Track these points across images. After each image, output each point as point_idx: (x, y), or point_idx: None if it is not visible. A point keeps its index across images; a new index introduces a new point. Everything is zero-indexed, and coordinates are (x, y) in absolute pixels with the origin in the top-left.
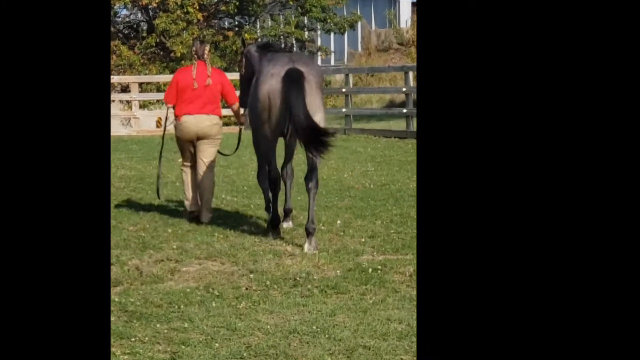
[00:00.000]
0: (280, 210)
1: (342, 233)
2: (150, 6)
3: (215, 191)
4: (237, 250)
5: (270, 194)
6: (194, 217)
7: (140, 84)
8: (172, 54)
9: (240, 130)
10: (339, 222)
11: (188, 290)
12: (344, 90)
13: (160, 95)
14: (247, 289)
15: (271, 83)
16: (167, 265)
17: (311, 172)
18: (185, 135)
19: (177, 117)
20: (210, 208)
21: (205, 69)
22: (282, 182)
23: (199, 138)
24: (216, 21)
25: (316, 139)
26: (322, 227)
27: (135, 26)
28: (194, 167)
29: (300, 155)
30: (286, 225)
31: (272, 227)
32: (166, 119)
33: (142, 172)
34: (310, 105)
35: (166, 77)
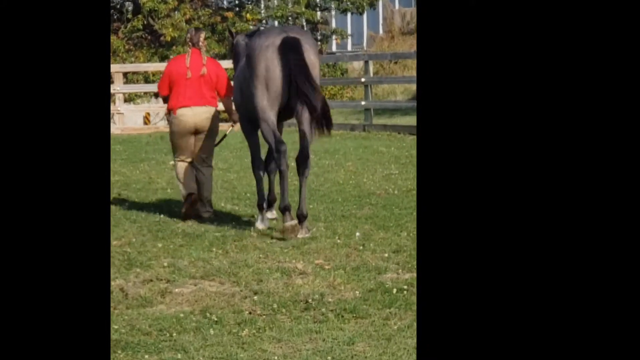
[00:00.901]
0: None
1: (361, 247)
2: None
3: (213, 199)
4: (238, 268)
5: (271, 176)
6: (192, 206)
7: (125, 74)
8: (161, 38)
9: (232, 127)
10: (357, 234)
11: (181, 315)
12: (363, 80)
13: (148, 87)
14: (250, 313)
15: (267, 54)
16: (157, 286)
17: (304, 153)
18: (182, 130)
19: (171, 110)
20: (210, 203)
21: (200, 58)
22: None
23: (196, 132)
24: (213, 0)
25: (325, 113)
26: (338, 241)
27: (118, 6)
28: (191, 163)
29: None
30: (270, 215)
31: (284, 212)
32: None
33: (127, 177)
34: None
35: (155, 66)
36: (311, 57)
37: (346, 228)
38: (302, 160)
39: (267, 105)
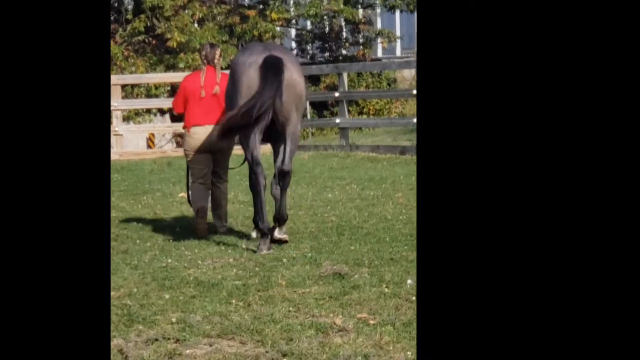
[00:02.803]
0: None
1: (414, 298)
2: None
3: (234, 241)
4: (263, 324)
5: (257, 197)
6: (204, 220)
7: (124, 87)
8: (167, 44)
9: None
10: (409, 282)
11: None
12: (415, 92)
13: (152, 103)
14: None
15: (249, 74)
16: (164, 347)
17: (282, 175)
18: (197, 147)
19: (185, 127)
20: (226, 219)
21: (214, 76)
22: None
23: (211, 151)
24: None
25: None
26: (386, 290)
27: (116, 4)
28: (206, 186)
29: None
30: (279, 235)
31: (261, 236)
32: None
33: (127, 213)
34: (288, 96)
35: (160, 77)
36: (294, 75)
37: (395, 274)
38: (280, 184)
39: (252, 124)
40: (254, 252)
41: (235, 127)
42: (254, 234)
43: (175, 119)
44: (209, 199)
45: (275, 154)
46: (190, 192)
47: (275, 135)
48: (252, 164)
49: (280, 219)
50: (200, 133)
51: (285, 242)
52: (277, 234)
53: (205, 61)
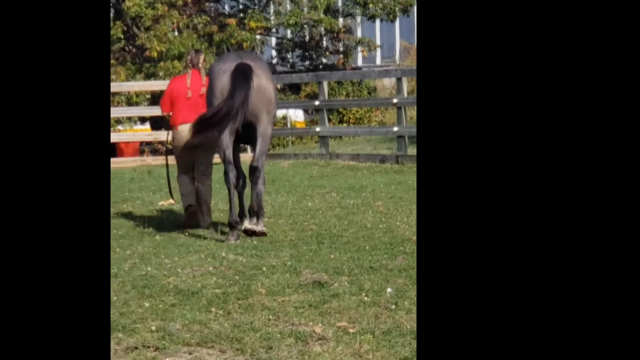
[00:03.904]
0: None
1: (393, 306)
2: None
3: (214, 249)
4: (243, 333)
5: (229, 192)
6: (191, 217)
7: None
8: (147, 52)
9: None
10: (389, 290)
11: None
12: (395, 100)
13: (132, 111)
14: None
15: (223, 80)
16: (144, 355)
17: (252, 170)
18: (183, 144)
19: (173, 126)
20: (209, 213)
21: (200, 78)
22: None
23: (196, 146)
24: (211, 4)
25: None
26: (366, 298)
27: None
28: (192, 179)
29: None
30: (250, 226)
31: (230, 228)
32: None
33: None
34: (258, 99)
35: (140, 85)
36: (263, 81)
37: (375, 283)
38: (254, 180)
39: (227, 129)
40: (234, 259)
41: (206, 126)
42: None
43: (155, 127)
44: (194, 195)
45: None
46: (179, 185)
47: (250, 137)
48: (224, 162)
49: (252, 210)
50: (187, 130)
51: (263, 234)
52: (249, 224)
53: (190, 65)
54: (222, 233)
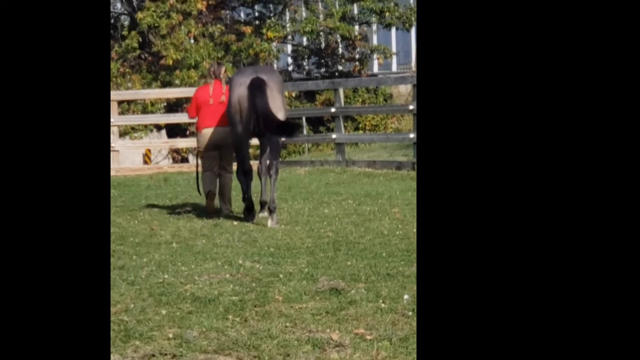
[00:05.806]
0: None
1: (410, 313)
2: None
3: (230, 256)
4: (260, 340)
5: (244, 185)
6: (212, 201)
7: (120, 103)
8: (162, 61)
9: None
10: (406, 297)
11: None
12: (411, 107)
13: (148, 118)
14: None
15: (240, 91)
16: None
17: (271, 154)
18: (206, 145)
19: (197, 130)
20: (230, 201)
21: (221, 87)
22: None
23: (217, 147)
24: (227, 12)
25: (271, 124)
26: (383, 305)
27: (113, 20)
28: (214, 175)
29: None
30: (262, 215)
31: (247, 211)
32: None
33: (123, 229)
34: (272, 106)
35: (156, 92)
36: (274, 92)
37: (392, 289)
38: (270, 165)
39: (241, 130)
40: (251, 266)
41: (249, 132)
42: (261, 214)
43: (171, 134)
44: (217, 185)
45: (262, 148)
46: (202, 177)
47: (260, 134)
48: (244, 165)
49: (263, 203)
50: (210, 133)
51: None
52: (270, 224)
53: (212, 75)
54: (240, 241)
